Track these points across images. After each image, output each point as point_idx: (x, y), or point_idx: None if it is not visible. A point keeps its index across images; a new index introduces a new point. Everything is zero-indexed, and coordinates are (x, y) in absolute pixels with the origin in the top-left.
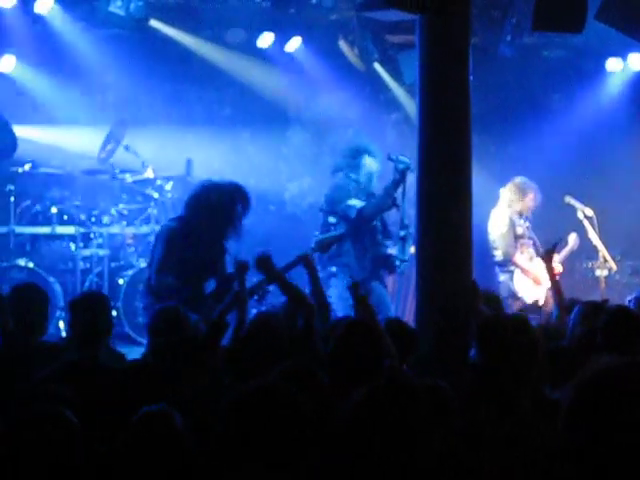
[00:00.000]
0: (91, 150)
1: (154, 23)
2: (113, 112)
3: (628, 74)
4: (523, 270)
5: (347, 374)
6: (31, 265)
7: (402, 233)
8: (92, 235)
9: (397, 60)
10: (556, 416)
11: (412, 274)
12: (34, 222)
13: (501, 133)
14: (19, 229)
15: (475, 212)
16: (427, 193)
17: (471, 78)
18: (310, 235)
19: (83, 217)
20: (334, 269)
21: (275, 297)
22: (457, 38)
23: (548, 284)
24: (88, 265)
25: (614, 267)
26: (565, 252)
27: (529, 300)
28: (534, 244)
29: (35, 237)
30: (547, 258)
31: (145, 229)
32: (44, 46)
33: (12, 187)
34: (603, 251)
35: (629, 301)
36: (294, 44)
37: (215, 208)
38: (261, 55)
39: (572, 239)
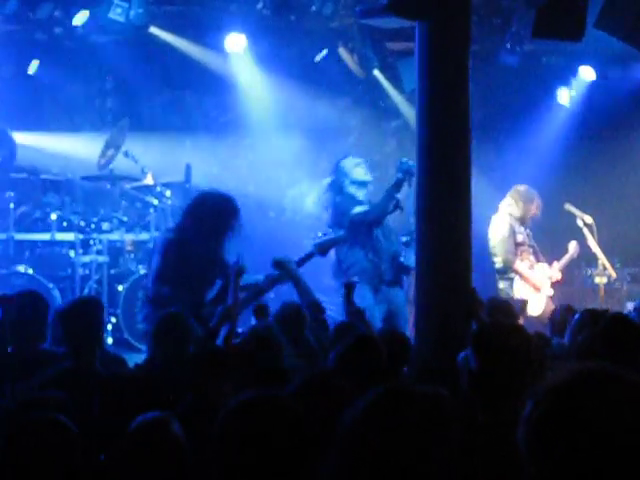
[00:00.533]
0: (91, 156)
1: (154, 30)
2: (112, 118)
3: (628, 81)
4: (523, 277)
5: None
6: (30, 271)
7: (404, 239)
8: (91, 242)
9: (397, 67)
10: None
11: (411, 282)
12: (33, 228)
13: (501, 140)
14: (18, 235)
15: (474, 219)
16: (426, 200)
17: (471, 85)
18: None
19: (82, 224)
20: (355, 278)
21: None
22: (457, 45)
23: (547, 292)
24: (87, 272)
25: (613, 275)
26: (565, 260)
27: (528, 308)
28: (534, 252)
29: (34, 243)
30: None
31: (144, 236)
32: (44, 53)
33: (12, 193)
34: (602, 259)
35: (631, 310)
36: (294, 51)
37: (210, 218)
38: (261, 61)
39: (572, 247)
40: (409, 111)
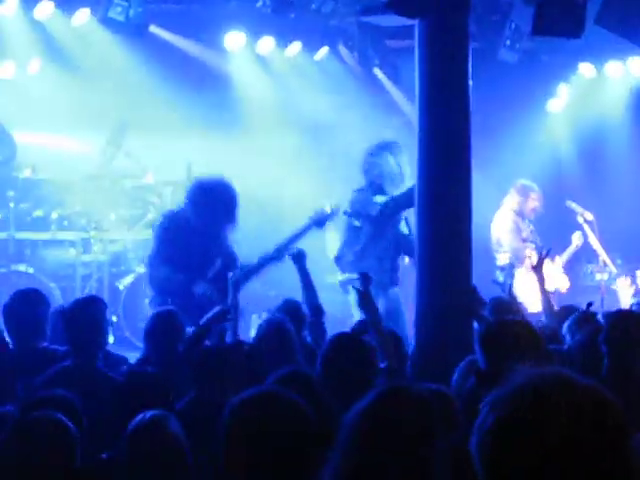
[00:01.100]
0: (91, 155)
1: (154, 29)
2: (113, 117)
3: (628, 78)
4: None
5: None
6: (31, 271)
7: None
8: (92, 240)
9: (397, 65)
10: None
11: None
12: (34, 228)
13: (501, 137)
14: (19, 235)
15: (474, 216)
16: (427, 197)
17: (471, 82)
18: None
19: (83, 222)
20: (355, 275)
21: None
22: (456, 43)
23: (550, 288)
24: (88, 271)
25: (614, 271)
26: (570, 250)
27: (529, 305)
28: (536, 247)
29: (35, 243)
30: (538, 267)
31: (145, 234)
32: (44, 52)
33: (12, 192)
34: (603, 255)
35: (632, 305)
36: (294, 49)
37: (206, 202)
38: (261, 60)
39: (576, 238)
40: (409, 109)
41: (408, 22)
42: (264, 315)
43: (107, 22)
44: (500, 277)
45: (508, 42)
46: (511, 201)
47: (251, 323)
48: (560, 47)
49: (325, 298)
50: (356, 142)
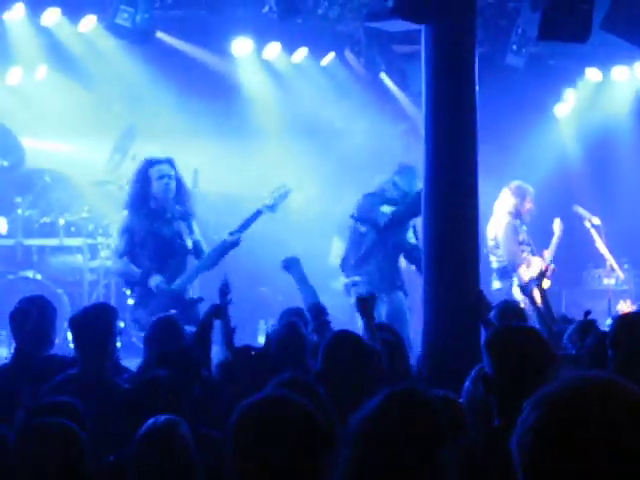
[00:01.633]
0: (98, 161)
1: (160, 35)
2: (120, 123)
3: (634, 83)
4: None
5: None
6: (39, 277)
7: None
8: (99, 246)
9: (403, 70)
10: None
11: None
12: (41, 234)
13: (508, 142)
14: (27, 241)
15: (482, 221)
16: (433, 202)
17: (477, 87)
18: (317, 244)
19: (91, 228)
20: (357, 278)
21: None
22: (463, 48)
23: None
24: (95, 277)
25: (621, 275)
26: (554, 242)
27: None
28: (532, 249)
29: (43, 249)
30: (539, 280)
31: None
32: (51, 58)
33: (19, 199)
34: (610, 260)
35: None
36: (301, 54)
37: (137, 187)
38: (267, 65)
39: (557, 226)
40: (416, 114)
41: (414, 27)
42: (271, 321)
43: (114, 28)
44: (496, 280)
45: (515, 47)
46: (507, 203)
47: (259, 328)
48: (567, 52)
49: (330, 303)
50: (363, 147)
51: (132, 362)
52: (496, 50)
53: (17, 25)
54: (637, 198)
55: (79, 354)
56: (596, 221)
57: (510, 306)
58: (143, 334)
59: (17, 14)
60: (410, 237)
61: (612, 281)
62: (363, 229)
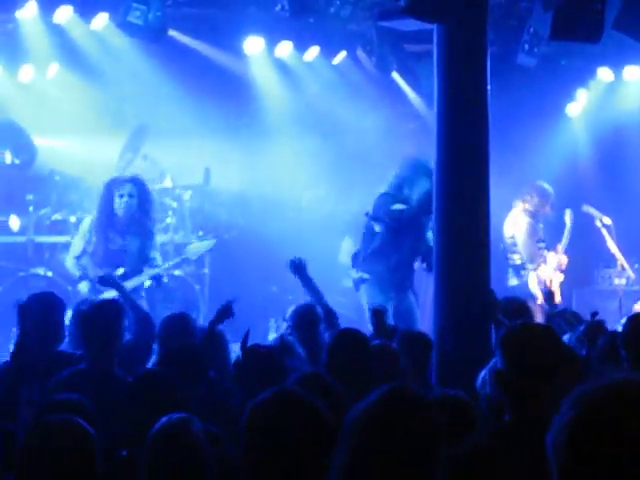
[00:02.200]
0: (110, 159)
1: (172, 33)
2: (131, 122)
3: None
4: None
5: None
6: (50, 274)
7: None
8: None
9: (415, 69)
10: None
11: (430, 283)
12: (53, 231)
13: (519, 142)
14: (38, 238)
15: (493, 220)
16: (445, 201)
17: (489, 87)
18: (328, 242)
19: None
20: (366, 276)
21: None
22: (475, 47)
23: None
24: None
25: (632, 275)
26: (567, 233)
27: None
28: (546, 246)
29: (54, 246)
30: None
31: (163, 238)
32: (63, 56)
33: (31, 196)
34: (621, 259)
35: None
36: (312, 53)
37: (101, 202)
38: (279, 64)
39: (567, 217)
40: (428, 113)
41: (426, 26)
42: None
43: (126, 26)
44: (513, 277)
45: (526, 47)
46: (528, 201)
47: (269, 326)
48: (578, 51)
49: (341, 302)
50: (375, 146)
51: None
52: (508, 50)
53: (29, 23)
54: None
55: (86, 350)
56: (607, 221)
57: (513, 303)
58: None
59: (29, 12)
60: (429, 239)
61: (623, 281)
62: (377, 228)
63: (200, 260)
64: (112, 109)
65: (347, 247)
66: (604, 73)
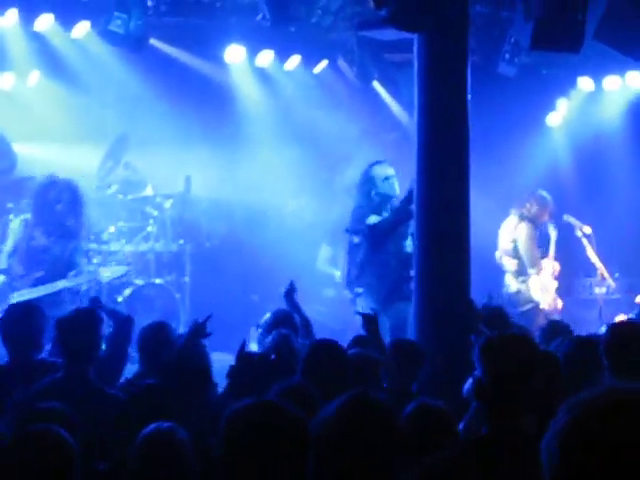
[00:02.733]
0: (91, 167)
1: (153, 42)
2: (112, 130)
3: (626, 92)
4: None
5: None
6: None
7: None
8: (91, 253)
9: (396, 79)
10: None
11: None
12: None
13: (500, 151)
14: None
15: (474, 230)
16: (425, 211)
17: (469, 97)
18: (309, 251)
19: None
20: (360, 290)
21: None
22: (455, 56)
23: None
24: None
25: (612, 284)
26: (552, 245)
27: (543, 305)
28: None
29: None
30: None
31: (144, 247)
32: (44, 64)
33: (11, 204)
34: (601, 268)
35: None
36: (293, 62)
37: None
38: (260, 73)
39: (551, 230)
40: (408, 122)
41: (407, 36)
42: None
43: (107, 35)
44: (512, 283)
45: (507, 56)
46: (526, 208)
47: (250, 335)
48: (559, 61)
49: (323, 312)
50: (355, 156)
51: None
52: (488, 59)
53: (10, 31)
54: (628, 207)
55: (64, 358)
56: (587, 230)
57: (492, 312)
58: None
59: (10, 20)
60: (408, 245)
61: (603, 290)
62: (356, 240)
63: (181, 268)
64: (93, 117)
65: (325, 254)
66: (585, 83)
